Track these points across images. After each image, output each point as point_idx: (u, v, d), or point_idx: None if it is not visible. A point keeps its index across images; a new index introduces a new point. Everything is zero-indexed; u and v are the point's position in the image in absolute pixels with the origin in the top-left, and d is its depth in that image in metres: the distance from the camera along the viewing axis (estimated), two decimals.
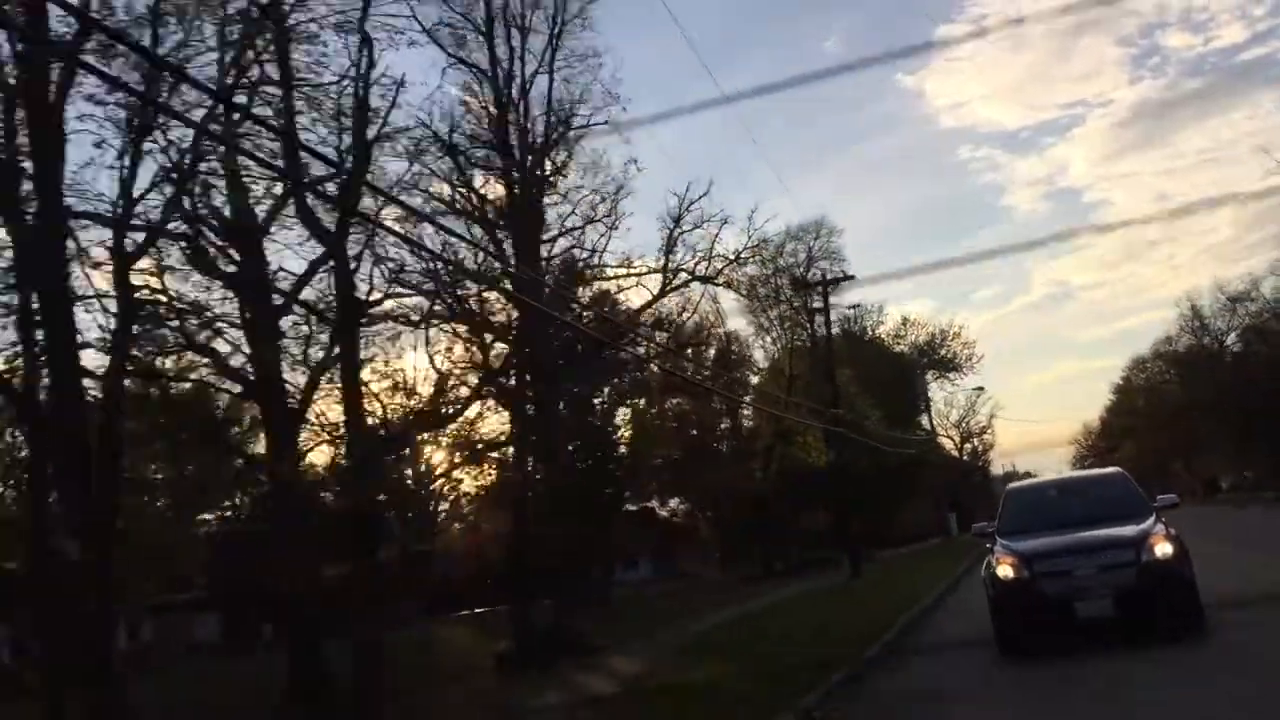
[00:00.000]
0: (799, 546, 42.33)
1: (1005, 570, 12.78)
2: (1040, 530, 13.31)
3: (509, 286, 22.79)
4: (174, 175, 16.61)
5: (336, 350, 18.75)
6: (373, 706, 16.80)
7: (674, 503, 49.85)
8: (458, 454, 28.08)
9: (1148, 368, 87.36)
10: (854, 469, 39.98)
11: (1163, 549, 12.27)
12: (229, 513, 41.57)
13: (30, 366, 15.03)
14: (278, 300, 18.47)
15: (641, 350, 30.78)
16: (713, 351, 39.77)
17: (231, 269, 17.89)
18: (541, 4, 27.24)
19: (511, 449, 27.40)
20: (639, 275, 31.15)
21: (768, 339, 47.76)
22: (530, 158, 26.66)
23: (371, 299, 20.10)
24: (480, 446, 27.39)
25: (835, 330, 46.31)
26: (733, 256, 32.46)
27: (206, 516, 40.79)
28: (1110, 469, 16.38)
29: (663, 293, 31.74)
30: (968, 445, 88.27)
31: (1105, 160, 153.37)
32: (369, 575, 19.27)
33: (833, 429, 37.45)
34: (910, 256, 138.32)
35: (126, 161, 16.00)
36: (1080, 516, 13.59)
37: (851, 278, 40.68)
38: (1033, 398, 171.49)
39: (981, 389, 76.67)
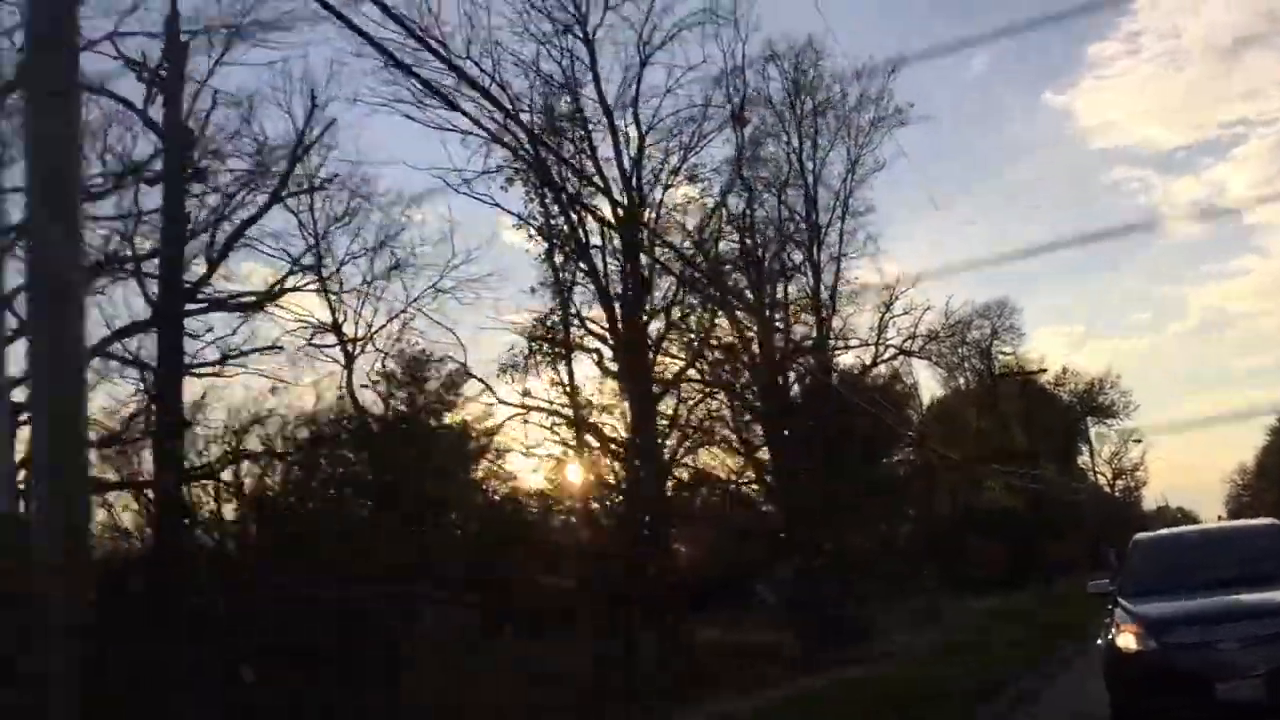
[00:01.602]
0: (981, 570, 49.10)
1: (1127, 639, 10.89)
2: (1174, 591, 11.45)
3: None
4: None
5: None
6: (681, 695, 20.41)
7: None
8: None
9: None
10: (1023, 509, 47.02)
11: None
12: None
13: None
14: None
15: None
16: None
17: None
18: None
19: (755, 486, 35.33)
20: (855, 348, 38.95)
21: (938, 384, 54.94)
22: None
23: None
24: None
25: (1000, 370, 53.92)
26: (931, 335, 39.98)
27: None
28: (1263, 520, 14.73)
29: (874, 363, 39.52)
30: (1119, 481, 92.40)
31: (1267, 181, 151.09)
32: (668, 575, 26.07)
33: (1006, 472, 44.66)
34: (1058, 279, 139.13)
35: None
36: (1224, 576, 11.65)
37: (1043, 370, 48.25)
38: (1187, 429, 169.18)
39: (1139, 439, 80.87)
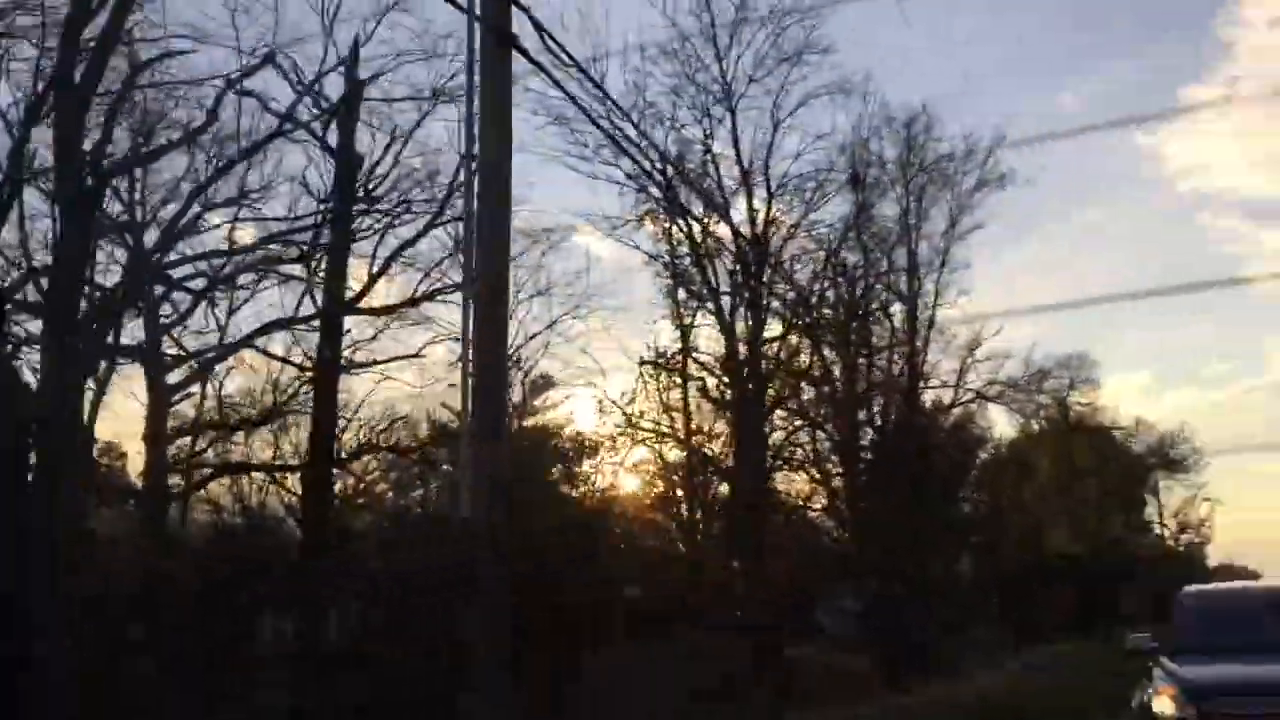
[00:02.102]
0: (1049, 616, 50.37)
1: (1164, 704, 9.83)
2: (1221, 654, 10.36)
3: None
4: None
5: None
6: (779, 708, 24.28)
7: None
8: None
9: None
10: (1088, 557, 48.36)
11: None
12: None
13: None
14: None
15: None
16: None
17: None
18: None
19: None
20: (935, 388, 40.65)
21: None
22: None
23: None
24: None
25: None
26: (1010, 383, 41.68)
27: None
28: None
29: (953, 405, 41.27)
30: (1184, 535, 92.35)
31: None
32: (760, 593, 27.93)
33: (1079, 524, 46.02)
34: (1134, 322, 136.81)
35: None
36: (1269, 643, 10.44)
37: (1124, 428, 49.50)
38: (1260, 488, 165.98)
39: (1209, 500, 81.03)
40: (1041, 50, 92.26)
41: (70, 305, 18.33)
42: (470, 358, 7.40)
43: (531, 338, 26.23)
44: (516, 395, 27.22)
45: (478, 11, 7.32)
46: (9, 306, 19.07)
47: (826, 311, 31.26)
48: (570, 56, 7.60)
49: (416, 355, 25.10)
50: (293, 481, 25.17)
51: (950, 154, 35.00)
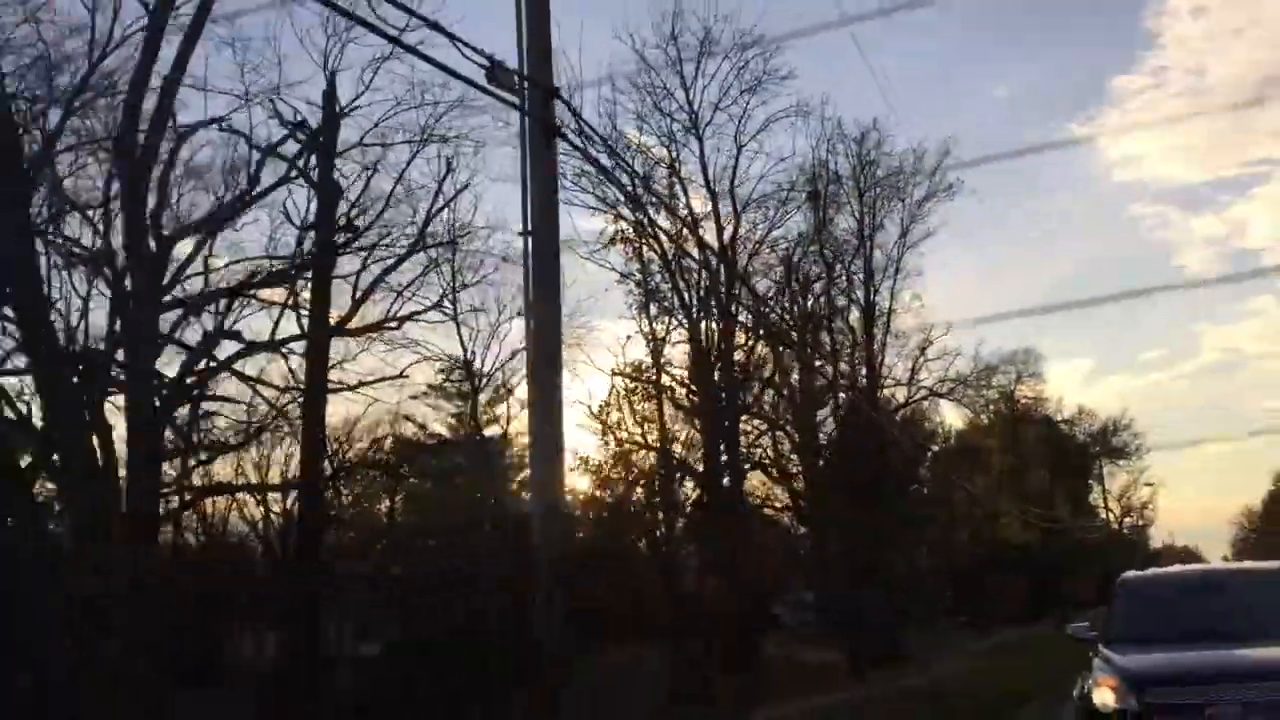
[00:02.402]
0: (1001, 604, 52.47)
1: (1104, 696, 9.33)
2: (1165, 642, 10.03)
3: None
4: None
5: None
6: (751, 699, 25.90)
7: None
8: None
9: None
10: (1037, 545, 50.54)
11: None
12: None
13: None
14: None
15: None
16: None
17: None
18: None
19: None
20: (890, 388, 42.39)
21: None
22: None
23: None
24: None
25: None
26: (959, 379, 43.61)
27: None
28: (1273, 563, 13.40)
29: (907, 404, 43.12)
30: (1127, 519, 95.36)
31: None
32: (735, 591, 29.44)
33: (1028, 512, 48.04)
34: (1072, 313, 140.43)
35: None
36: (1225, 627, 10.13)
37: (1070, 423, 51.73)
38: (1196, 469, 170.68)
39: (1151, 485, 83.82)
40: (976, 50, 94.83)
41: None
42: (530, 439, 8.87)
43: (512, 356, 27.35)
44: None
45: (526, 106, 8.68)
46: None
47: (787, 318, 32.83)
48: (602, 138, 9.05)
49: (400, 376, 26.08)
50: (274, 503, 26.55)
51: (899, 169, 36.95)
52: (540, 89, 8.68)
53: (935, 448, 50.49)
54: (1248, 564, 19.80)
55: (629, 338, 29.25)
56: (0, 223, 17.68)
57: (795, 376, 34.36)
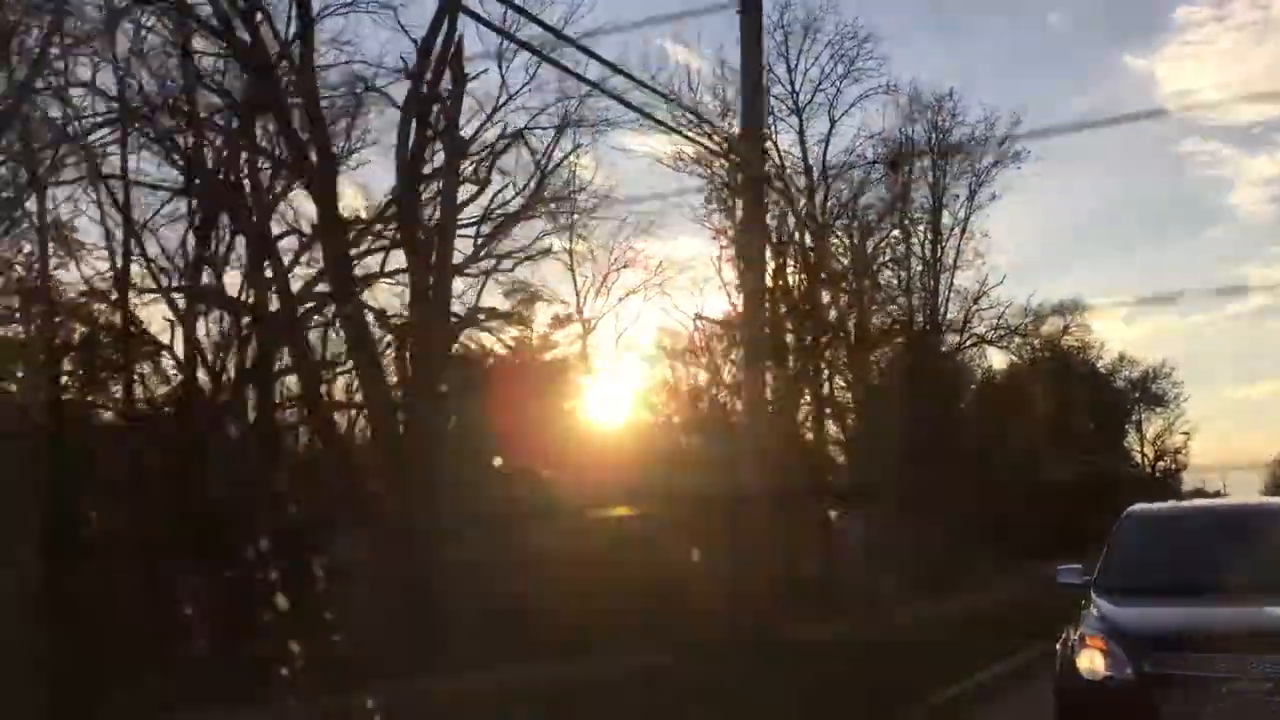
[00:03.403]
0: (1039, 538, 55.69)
1: (1092, 659, 7.53)
2: (1169, 593, 8.29)
3: None
4: None
5: None
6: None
7: None
8: None
9: None
10: (1072, 486, 53.99)
11: None
12: None
13: None
14: None
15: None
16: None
17: None
18: None
19: None
20: (945, 334, 45.18)
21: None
22: None
23: None
24: None
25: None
26: (1012, 328, 46.58)
27: None
28: None
29: (959, 349, 45.98)
30: (1160, 463, 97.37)
31: None
32: None
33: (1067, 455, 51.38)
34: (1121, 252, 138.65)
35: None
36: (1244, 578, 7.96)
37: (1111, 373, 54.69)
38: (1236, 411, 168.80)
39: (1187, 433, 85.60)
40: None
41: None
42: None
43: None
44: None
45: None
46: None
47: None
48: (785, 184, 11.66)
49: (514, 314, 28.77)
50: None
51: (971, 135, 40.02)
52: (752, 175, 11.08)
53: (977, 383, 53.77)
54: (1268, 499, 16.11)
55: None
56: None
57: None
